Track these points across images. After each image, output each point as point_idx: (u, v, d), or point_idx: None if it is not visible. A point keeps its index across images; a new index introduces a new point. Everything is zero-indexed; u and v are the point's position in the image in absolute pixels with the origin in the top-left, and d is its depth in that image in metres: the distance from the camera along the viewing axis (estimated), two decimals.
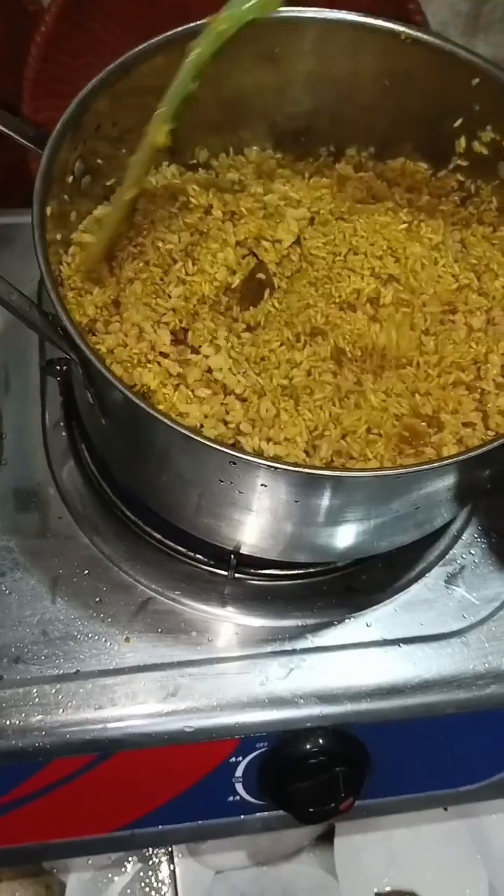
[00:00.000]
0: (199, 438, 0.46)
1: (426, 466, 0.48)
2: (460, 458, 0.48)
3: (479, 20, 0.80)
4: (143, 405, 0.47)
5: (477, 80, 0.58)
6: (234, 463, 0.47)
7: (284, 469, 0.47)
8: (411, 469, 0.48)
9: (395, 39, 0.60)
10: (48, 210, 0.53)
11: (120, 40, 0.73)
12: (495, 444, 0.48)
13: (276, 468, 0.46)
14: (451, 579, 0.64)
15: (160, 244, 0.60)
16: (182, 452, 0.50)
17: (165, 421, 0.46)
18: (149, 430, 0.50)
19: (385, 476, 0.49)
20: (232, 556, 0.60)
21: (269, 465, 0.46)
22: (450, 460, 0.48)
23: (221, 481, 0.49)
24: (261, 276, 0.60)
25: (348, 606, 0.63)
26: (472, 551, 0.65)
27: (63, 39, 0.73)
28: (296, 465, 0.50)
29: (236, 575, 0.62)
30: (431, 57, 0.60)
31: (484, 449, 0.48)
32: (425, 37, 0.59)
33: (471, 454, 0.48)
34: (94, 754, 0.59)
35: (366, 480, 0.48)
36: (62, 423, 0.66)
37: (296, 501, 0.50)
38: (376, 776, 0.62)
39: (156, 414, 0.46)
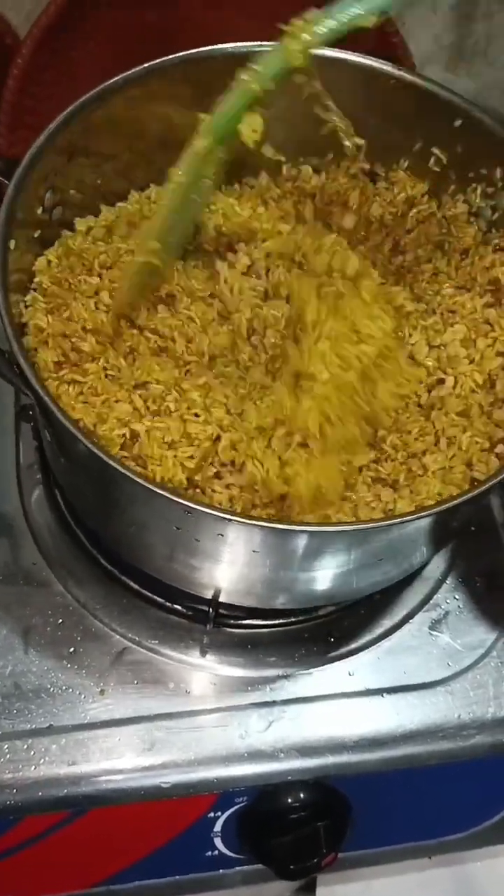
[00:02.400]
0: (140, 480, 0.45)
1: (365, 526, 0.47)
2: (406, 519, 0.47)
3: (462, 52, 0.79)
4: (86, 442, 0.45)
5: (459, 121, 0.57)
6: (190, 513, 0.45)
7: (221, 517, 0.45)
8: (357, 526, 0.47)
9: (378, 77, 0.59)
10: (11, 244, 0.51)
11: (98, 69, 0.72)
12: (460, 500, 0.47)
13: (230, 519, 0.45)
14: (434, 625, 0.63)
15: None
16: (132, 496, 0.48)
17: (109, 461, 0.45)
18: (101, 474, 0.48)
19: (325, 532, 0.47)
20: (210, 609, 0.58)
21: (221, 516, 0.45)
22: (394, 520, 0.47)
23: (178, 528, 0.48)
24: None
25: (330, 655, 0.61)
26: (457, 596, 0.64)
27: (40, 71, 0.72)
28: (230, 512, 0.48)
29: (215, 624, 0.60)
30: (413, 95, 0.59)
31: (447, 506, 0.47)
32: (408, 76, 0.59)
33: (427, 512, 0.47)
34: (68, 811, 0.57)
35: (314, 532, 0.47)
36: (36, 467, 0.64)
37: (254, 552, 0.48)
38: (359, 828, 0.61)
39: (99, 453, 0.45)
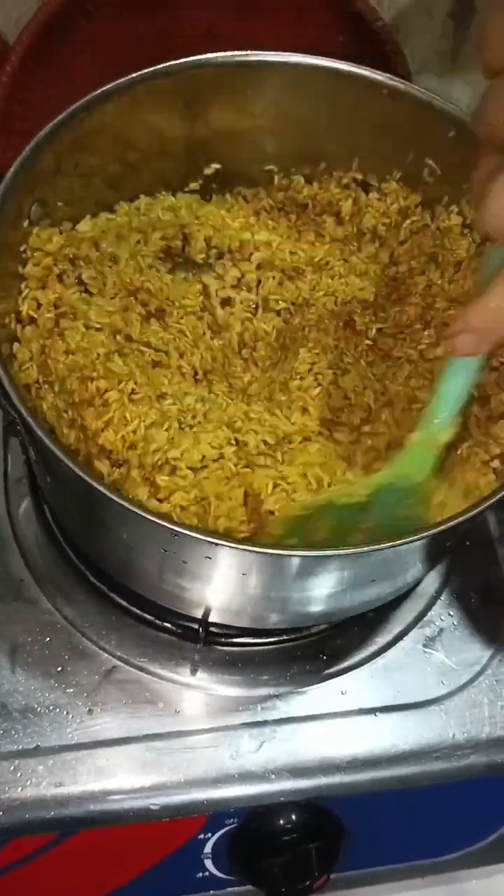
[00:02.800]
0: (125, 503, 0.43)
1: (358, 550, 0.45)
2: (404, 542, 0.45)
3: (458, 59, 0.78)
4: (70, 464, 0.44)
5: (453, 132, 0.56)
6: (177, 536, 0.44)
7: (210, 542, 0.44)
8: (348, 550, 0.45)
9: (371, 87, 0.58)
10: None
11: (88, 76, 0.71)
12: (457, 521, 0.46)
13: (217, 543, 0.43)
14: (429, 643, 0.62)
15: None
16: (118, 518, 0.47)
17: (93, 483, 0.44)
18: (87, 495, 0.46)
19: (315, 556, 0.45)
20: (200, 628, 0.57)
21: (208, 540, 0.43)
22: (394, 543, 0.45)
23: (165, 550, 0.47)
24: None
25: (322, 673, 0.60)
26: (451, 612, 0.63)
27: (30, 78, 0.71)
28: (217, 536, 0.46)
29: (206, 643, 0.59)
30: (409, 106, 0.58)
31: (443, 527, 0.46)
32: (401, 86, 0.58)
33: (425, 535, 0.45)
34: (55, 833, 0.56)
35: (304, 557, 0.46)
36: (25, 481, 0.63)
37: (243, 574, 0.47)
38: (352, 849, 0.60)
39: (83, 475, 0.44)
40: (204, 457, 0.50)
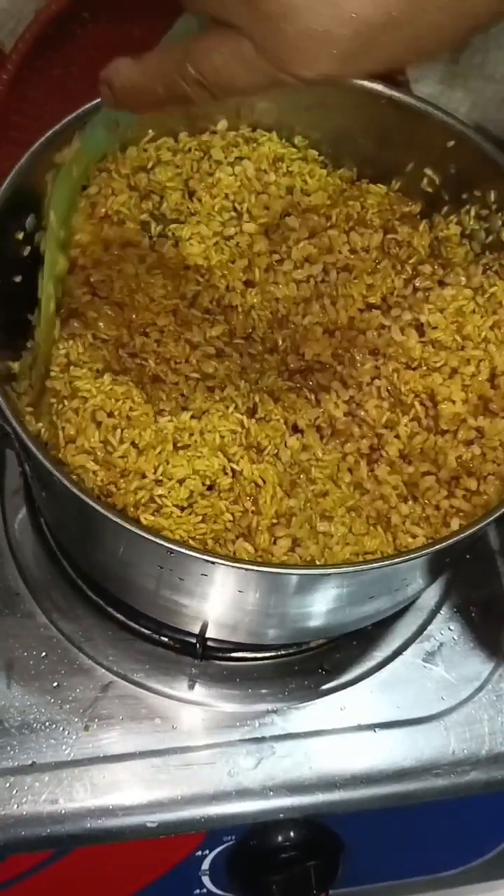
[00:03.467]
0: (120, 521, 0.43)
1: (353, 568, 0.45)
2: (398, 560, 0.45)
3: (457, 66, 0.78)
4: (64, 480, 0.44)
5: (452, 142, 0.56)
6: (172, 553, 0.43)
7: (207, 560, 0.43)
8: (345, 569, 0.46)
9: (368, 96, 0.57)
10: None
11: (85, 85, 0.70)
12: (457, 538, 0.45)
13: (213, 561, 0.43)
14: (428, 657, 0.61)
15: None
16: (114, 534, 0.47)
17: (87, 500, 0.43)
18: (82, 511, 0.46)
19: (312, 575, 0.46)
20: (197, 644, 0.57)
21: (204, 558, 0.43)
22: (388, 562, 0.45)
23: (161, 567, 0.46)
24: None
25: (321, 688, 0.59)
26: (451, 627, 0.62)
27: (26, 86, 0.70)
28: (213, 554, 0.46)
29: (204, 657, 0.59)
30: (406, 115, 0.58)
31: (444, 544, 0.45)
32: (399, 94, 0.57)
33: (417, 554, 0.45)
34: (51, 851, 0.55)
35: (301, 575, 0.46)
36: (21, 493, 0.63)
37: (239, 591, 0.46)
38: (351, 866, 0.59)
39: (77, 492, 0.43)
40: (192, 493, 0.50)
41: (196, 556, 0.43)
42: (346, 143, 0.61)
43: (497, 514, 0.47)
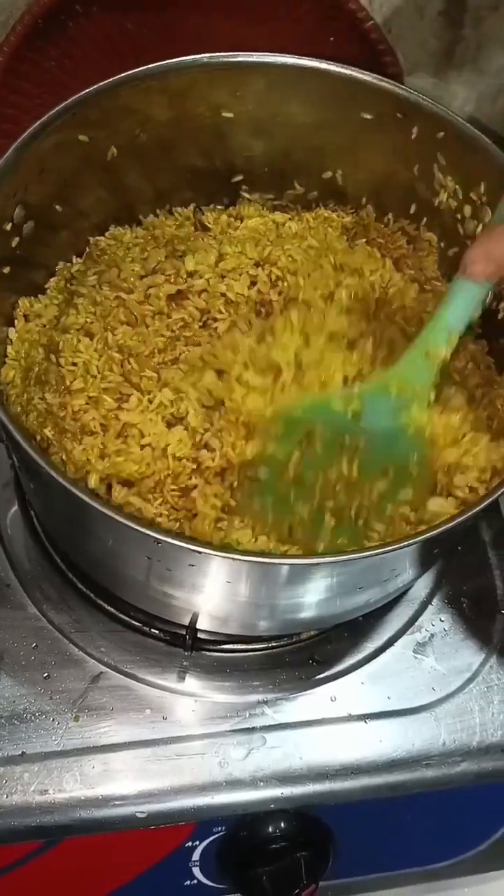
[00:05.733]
0: (107, 511, 0.43)
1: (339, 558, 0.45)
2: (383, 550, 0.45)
3: (451, 58, 0.78)
4: (42, 462, 0.44)
5: (442, 133, 0.56)
6: (160, 543, 0.43)
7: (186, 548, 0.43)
8: (332, 558, 0.45)
9: (360, 88, 0.57)
10: None
11: (77, 77, 0.70)
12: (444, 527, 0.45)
13: (199, 551, 0.43)
14: (419, 649, 0.61)
15: None
16: (101, 524, 0.47)
17: (73, 489, 0.43)
18: (69, 501, 0.46)
19: (299, 564, 0.45)
20: (187, 635, 0.57)
21: (191, 548, 0.43)
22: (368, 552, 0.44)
23: (149, 558, 0.46)
24: None
25: (312, 679, 0.59)
26: (442, 618, 0.62)
27: (18, 79, 0.70)
28: (201, 544, 0.45)
29: (194, 648, 0.59)
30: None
31: (430, 535, 0.45)
32: (388, 85, 0.57)
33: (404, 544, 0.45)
34: (40, 841, 0.55)
35: (288, 566, 0.45)
36: (12, 486, 0.63)
37: (228, 582, 0.46)
38: (341, 857, 0.59)
39: (63, 481, 0.43)
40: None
41: (184, 546, 0.43)
42: (337, 136, 0.61)
43: (481, 507, 0.47)
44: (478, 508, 0.46)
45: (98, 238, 0.62)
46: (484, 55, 0.78)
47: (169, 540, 0.43)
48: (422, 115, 0.56)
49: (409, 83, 0.75)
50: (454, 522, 0.46)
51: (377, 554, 0.45)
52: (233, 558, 0.44)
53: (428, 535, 0.45)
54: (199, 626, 0.56)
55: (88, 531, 0.49)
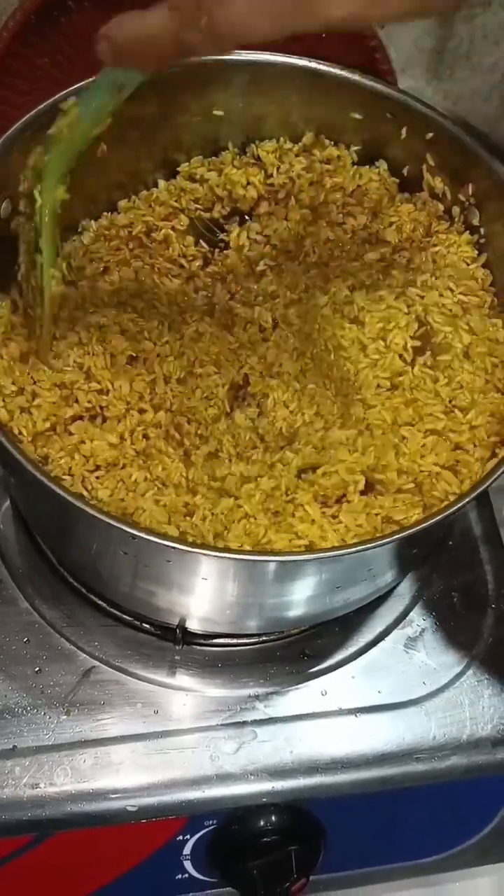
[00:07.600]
0: (78, 503, 0.43)
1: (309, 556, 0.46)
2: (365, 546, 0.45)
3: (443, 56, 0.78)
4: (12, 449, 0.44)
5: (431, 133, 0.56)
6: (134, 538, 0.43)
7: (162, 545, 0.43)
8: (306, 556, 0.46)
9: (349, 87, 0.57)
10: None
11: (69, 72, 0.70)
12: (429, 522, 0.45)
13: (173, 547, 0.43)
14: (410, 643, 0.61)
15: None
16: (76, 518, 0.46)
17: (44, 479, 0.43)
18: (43, 492, 0.46)
19: (270, 561, 0.46)
20: (177, 631, 0.57)
21: (163, 543, 0.43)
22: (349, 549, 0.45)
23: (125, 553, 0.46)
24: None
25: (303, 673, 0.60)
26: (433, 613, 0.63)
27: (10, 76, 0.70)
28: (173, 539, 0.45)
29: (185, 643, 0.59)
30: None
31: (411, 531, 0.45)
32: (379, 85, 0.57)
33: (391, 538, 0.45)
34: (31, 835, 0.55)
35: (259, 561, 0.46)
36: (2, 482, 0.63)
37: (203, 579, 0.46)
38: (332, 851, 0.59)
39: (33, 470, 0.43)
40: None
41: (156, 542, 0.42)
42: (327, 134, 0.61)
43: (466, 502, 0.47)
44: (451, 511, 0.46)
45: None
46: (476, 52, 0.78)
47: (142, 535, 0.43)
48: (411, 115, 0.56)
49: (401, 81, 0.75)
50: (429, 522, 0.46)
51: (357, 551, 0.44)
52: (205, 554, 0.44)
53: (404, 534, 0.45)
54: (187, 625, 0.56)
55: (65, 523, 0.49)
